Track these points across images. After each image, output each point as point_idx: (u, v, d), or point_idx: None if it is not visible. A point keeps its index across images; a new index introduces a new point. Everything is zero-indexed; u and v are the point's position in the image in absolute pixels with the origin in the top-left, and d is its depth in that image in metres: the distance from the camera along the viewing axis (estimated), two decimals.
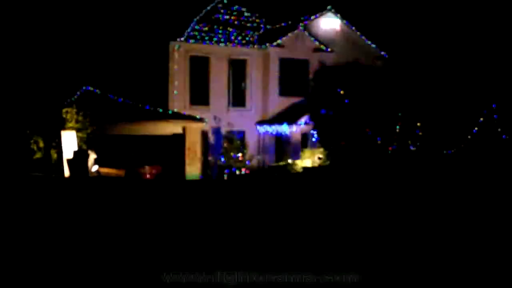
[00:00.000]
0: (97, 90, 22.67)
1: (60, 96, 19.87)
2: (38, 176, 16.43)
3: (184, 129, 23.62)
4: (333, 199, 13.19)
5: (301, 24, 27.58)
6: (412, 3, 34.79)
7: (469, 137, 19.44)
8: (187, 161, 23.49)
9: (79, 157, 16.95)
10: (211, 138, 26.27)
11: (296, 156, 25.16)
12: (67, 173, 17.11)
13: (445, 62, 21.29)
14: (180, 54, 25.64)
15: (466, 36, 27.72)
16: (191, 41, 25.77)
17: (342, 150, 20.04)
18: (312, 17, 28.17)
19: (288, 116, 26.29)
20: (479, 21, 29.33)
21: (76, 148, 17.51)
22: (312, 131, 23.37)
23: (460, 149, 19.44)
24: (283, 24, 28.35)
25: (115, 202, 11.95)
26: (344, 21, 28.90)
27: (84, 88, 22.48)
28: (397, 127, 19.62)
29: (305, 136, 26.32)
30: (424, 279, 6.48)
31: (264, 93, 27.32)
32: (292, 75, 27.67)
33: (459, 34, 28.93)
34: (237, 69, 27.09)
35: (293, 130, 25.62)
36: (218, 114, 26.61)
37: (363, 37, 29.30)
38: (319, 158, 23.33)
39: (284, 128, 25.69)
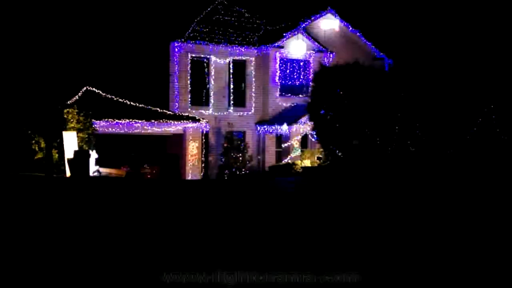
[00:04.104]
0: (98, 91, 22.72)
1: (61, 97, 19.92)
2: (40, 176, 16.46)
3: (184, 129, 23.70)
4: (333, 199, 13.21)
5: (301, 25, 27.61)
6: (411, 5, 34.84)
7: (468, 137, 19.47)
8: (187, 161, 23.56)
9: (80, 157, 16.99)
10: (211, 138, 26.32)
11: (296, 156, 25.22)
12: (68, 173, 17.15)
13: (444, 63, 21.33)
14: (180, 54, 25.68)
15: (465, 36, 27.76)
16: (192, 42, 25.81)
17: (341, 150, 20.08)
18: (312, 18, 28.20)
19: (288, 116, 26.32)
20: (478, 21, 29.38)
21: (76, 148, 17.55)
22: (312, 131, 23.41)
23: (459, 149, 19.48)
24: (283, 25, 28.40)
25: (115, 202, 11.97)
26: (344, 22, 28.94)
27: (85, 88, 22.53)
28: (396, 127, 19.66)
29: (305, 136, 26.38)
30: (424, 279, 6.51)
31: (264, 93, 27.37)
32: (292, 76, 27.74)
33: (457, 35, 28.98)
34: (237, 70, 27.13)
35: (293, 130, 25.65)
36: (218, 115, 26.66)
37: (362, 38, 29.36)
38: (319, 158, 23.37)
39: (284, 128, 25.72)
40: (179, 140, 24.03)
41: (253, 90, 27.35)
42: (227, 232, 8.86)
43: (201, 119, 24.15)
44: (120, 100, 22.74)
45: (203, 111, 26.12)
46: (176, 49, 25.56)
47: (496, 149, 18.91)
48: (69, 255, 7.17)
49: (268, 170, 25.65)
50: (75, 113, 18.47)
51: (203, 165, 24.45)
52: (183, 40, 25.62)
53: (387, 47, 30.00)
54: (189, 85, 26.01)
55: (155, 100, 24.71)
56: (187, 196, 13.65)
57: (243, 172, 25.68)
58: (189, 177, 23.28)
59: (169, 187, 15.83)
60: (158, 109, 23.25)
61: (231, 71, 26.87)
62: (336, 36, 29.00)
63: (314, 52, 27.73)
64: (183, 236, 8.46)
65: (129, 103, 22.84)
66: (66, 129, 17.89)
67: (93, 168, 17.87)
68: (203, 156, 24.52)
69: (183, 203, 12.18)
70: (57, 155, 17.68)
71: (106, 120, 20.99)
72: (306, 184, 17.90)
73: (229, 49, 26.64)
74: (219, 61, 26.57)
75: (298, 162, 24.07)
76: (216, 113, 26.59)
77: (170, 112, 23.79)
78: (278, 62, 27.19)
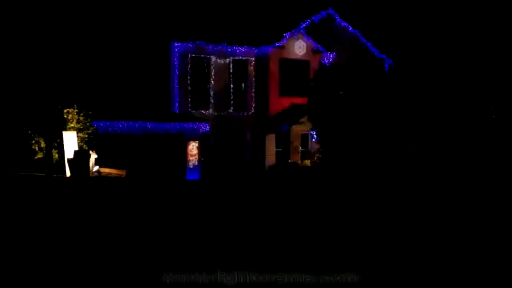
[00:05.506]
0: (97, 91, 22.75)
1: (61, 97, 19.92)
2: (40, 176, 16.47)
3: (184, 129, 23.72)
4: (333, 199, 13.23)
5: (301, 25, 27.62)
6: (411, 5, 34.86)
7: (468, 137, 19.49)
8: (187, 161, 23.58)
9: (80, 157, 17.00)
10: (211, 138, 26.33)
11: (296, 156, 25.23)
12: (68, 173, 17.16)
13: (444, 63, 21.34)
14: (180, 54, 25.70)
15: (465, 36, 27.75)
16: (192, 41, 25.81)
17: (341, 150, 20.10)
18: (312, 18, 28.22)
19: (288, 116, 26.35)
20: (478, 21, 29.38)
21: (76, 148, 17.56)
22: (312, 131, 23.43)
23: (459, 149, 19.49)
24: (283, 25, 28.41)
25: (115, 202, 11.99)
26: (344, 22, 28.97)
27: (85, 88, 22.55)
28: (397, 127, 19.67)
29: (305, 136, 26.40)
30: (423, 279, 6.51)
31: (264, 93, 27.38)
32: (292, 76, 27.75)
33: (457, 35, 28.96)
34: (238, 70, 27.14)
35: (293, 130, 25.67)
36: (218, 115, 26.67)
37: (362, 38, 29.38)
38: (319, 158, 23.39)
39: (284, 128, 25.74)
40: (179, 140, 24.06)
41: (253, 90, 27.37)
42: (227, 232, 8.88)
43: (201, 119, 24.16)
44: (120, 100, 22.76)
45: (203, 111, 26.13)
46: (176, 49, 25.58)
47: (496, 149, 18.93)
48: (69, 255, 7.18)
49: (268, 170, 25.68)
50: (75, 113, 18.48)
51: (203, 165, 24.46)
52: (183, 40, 25.63)
53: (387, 47, 30.01)
54: (189, 85, 26.02)
55: (155, 100, 24.73)
56: (187, 196, 13.67)
57: (243, 172, 25.69)
58: (189, 177, 23.30)
59: (169, 187, 15.85)
60: (158, 109, 23.26)
61: (231, 71, 26.88)
62: (336, 36, 29.02)
63: (314, 52, 27.75)
64: (183, 236, 8.47)
65: (129, 103, 22.86)
66: (66, 129, 17.90)
67: (93, 168, 17.88)
68: (203, 156, 24.53)
69: (183, 203, 12.20)
70: (57, 155, 17.68)
71: (106, 120, 21.02)
72: (306, 184, 17.92)
73: (229, 49, 26.66)
74: (220, 61, 26.58)
75: (298, 162, 24.09)
76: (216, 113, 26.61)
77: (170, 112, 23.80)
78: (279, 62, 27.20)
